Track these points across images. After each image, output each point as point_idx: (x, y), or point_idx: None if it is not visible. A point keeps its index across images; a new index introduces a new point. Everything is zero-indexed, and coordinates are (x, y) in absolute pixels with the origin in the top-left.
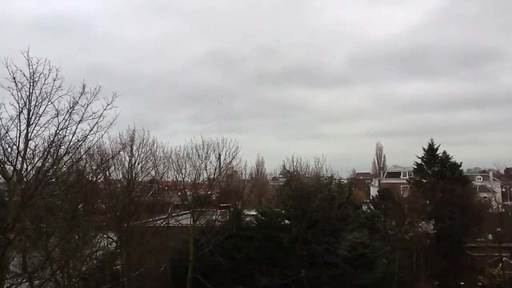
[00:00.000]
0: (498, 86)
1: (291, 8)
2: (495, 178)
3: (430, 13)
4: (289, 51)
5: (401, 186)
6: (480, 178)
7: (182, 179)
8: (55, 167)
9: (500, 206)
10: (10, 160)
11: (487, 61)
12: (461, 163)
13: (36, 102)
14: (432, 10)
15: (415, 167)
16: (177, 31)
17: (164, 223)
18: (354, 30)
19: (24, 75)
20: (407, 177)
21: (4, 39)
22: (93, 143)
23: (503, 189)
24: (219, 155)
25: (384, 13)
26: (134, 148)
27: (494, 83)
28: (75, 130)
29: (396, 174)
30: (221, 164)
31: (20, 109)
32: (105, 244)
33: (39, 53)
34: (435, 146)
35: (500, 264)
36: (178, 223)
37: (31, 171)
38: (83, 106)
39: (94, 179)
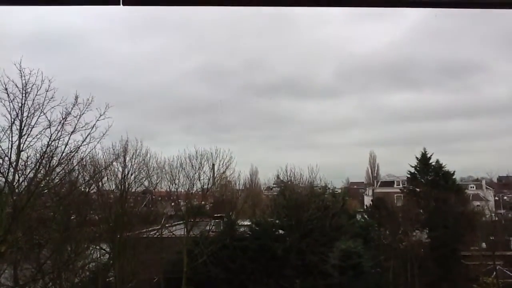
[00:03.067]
0: (483, 96)
1: (278, 25)
2: (488, 187)
3: (412, 28)
4: (277, 64)
5: (395, 195)
6: (473, 187)
7: (175, 189)
8: (47, 178)
9: (493, 214)
10: (1, 171)
11: (471, 73)
12: (454, 171)
13: (29, 113)
14: (414, 25)
15: (409, 176)
16: (169, 45)
17: (157, 234)
18: (340, 45)
19: (17, 86)
20: (401, 186)
21: None
22: (86, 153)
23: (496, 198)
24: (213, 165)
25: (368, 29)
26: (127, 158)
27: (479, 94)
28: (68, 141)
29: (389, 183)
30: (215, 174)
31: (12, 120)
32: (98, 256)
33: (31, 66)
34: (428, 155)
35: (494, 273)
36: (171, 233)
37: (23, 183)
38: (75, 117)
39: (87, 190)
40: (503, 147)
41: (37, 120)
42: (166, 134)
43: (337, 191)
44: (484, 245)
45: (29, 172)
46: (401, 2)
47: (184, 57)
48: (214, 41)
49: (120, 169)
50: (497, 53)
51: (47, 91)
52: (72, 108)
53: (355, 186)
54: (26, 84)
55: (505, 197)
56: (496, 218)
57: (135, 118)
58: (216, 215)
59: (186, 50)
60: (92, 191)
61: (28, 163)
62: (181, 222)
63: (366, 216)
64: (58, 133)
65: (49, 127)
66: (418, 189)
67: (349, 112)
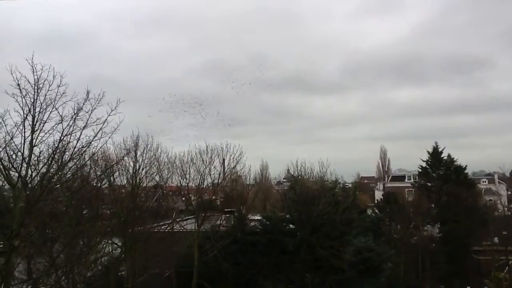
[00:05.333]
0: (491, 92)
1: (284, 22)
2: (500, 181)
3: (418, 24)
4: (283, 61)
5: (406, 189)
6: (485, 181)
7: (186, 184)
8: (59, 173)
9: (506, 209)
10: (15, 166)
11: (478, 68)
12: (466, 166)
13: (41, 108)
14: (420, 21)
15: (420, 170)
16: (175, 43)
17: (168, 228)
18: (346, 41)
19: (29, 82)
20: (412, 180)
21: (9, 48)
22: (97, 148)
23: (509, 192)
24: (223, 160)
25: (373, 25)
26: (138, 153)
27: (487, 89)
28: (80, 136)
29: (400, 178)
30: (225, 169)
31: (25, 115)
32: (110, 250)
33: (43, 61)
34: (440, 149)
35: (507, 268)
36: (182, 228)
37: (35, 177)
38: (87, 112)
39: (99, 184)
40: None
41: (49, 115)
42: (175, 129)
43: (347, 185)
44: (496, 240)
45: (42, 167)
46: None
47: (191, 53)
48: (221, 37)
49: (132, 164)
50: (504, 48)
51: (59, 86)
52: (83, 104)
53: (365, 181)
54: (38, 80)
55: None
56: (509, 213)
57: (145, 114)
58: (226, 209)
59: (193, 46)
60: (103, 186)
61: (41, 158)
62: (192, 216)
63: (377, 211)
64: (70, 128)
65: (61, 122)
66: (429, 184)
67: (357, 107)
